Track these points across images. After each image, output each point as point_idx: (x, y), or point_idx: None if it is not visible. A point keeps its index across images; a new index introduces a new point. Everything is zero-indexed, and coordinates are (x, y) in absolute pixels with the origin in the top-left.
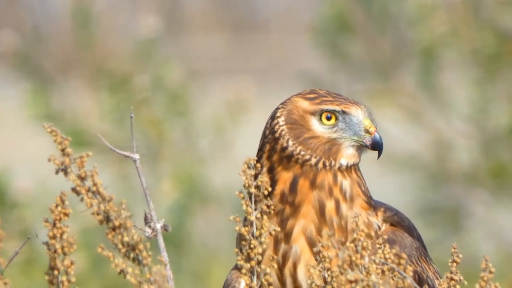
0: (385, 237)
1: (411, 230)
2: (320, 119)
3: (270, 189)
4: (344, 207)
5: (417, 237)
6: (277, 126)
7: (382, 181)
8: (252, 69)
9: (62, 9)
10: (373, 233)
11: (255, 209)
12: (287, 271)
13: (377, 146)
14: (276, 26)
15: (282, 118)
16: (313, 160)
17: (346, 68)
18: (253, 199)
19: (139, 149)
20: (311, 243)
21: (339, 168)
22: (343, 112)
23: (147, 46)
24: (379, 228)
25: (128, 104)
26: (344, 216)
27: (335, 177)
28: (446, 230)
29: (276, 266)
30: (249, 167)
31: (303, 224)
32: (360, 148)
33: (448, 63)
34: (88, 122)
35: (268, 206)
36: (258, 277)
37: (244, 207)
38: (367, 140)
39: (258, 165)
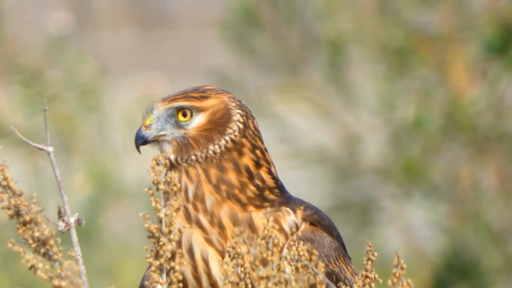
0: (304, 236)
1: (330, 230)
2: None
3: (179, 185)
4: (208, 204)
5: (337, 237)
6: None
7: (292, 175)
8: (161, 65)
9: None
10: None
11: (165, 206)
12: (200, 267)
13: None
14: (185, 21)
15: None
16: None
17: (254, 63)
18: (162, 196)
19: (52, 143)
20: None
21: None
22: None
23: (57, 41)
24: (297, 227)
25: (40, 98)
26: (213, 214)
27: (180, 176)
28: (356, 224)
29: (185, 263)
30: (158, 164)
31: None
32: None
33: (356, 57)
34: (1, 115)
35: (178, 202)
36: (167, 274)
37: (153, 203)
38: None
39: (167, 161)
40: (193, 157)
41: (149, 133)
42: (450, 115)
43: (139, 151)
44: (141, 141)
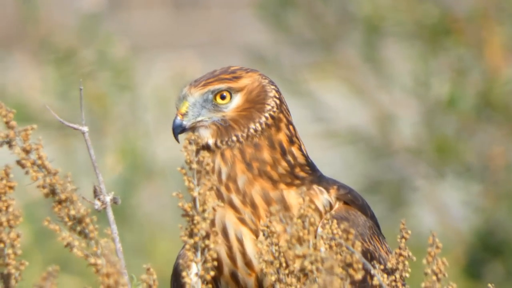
0: (338, 215)
1: (364, 209)
2: None
3: (212, 164)
4: (240, 183)
5: (370, 216)
6: None
7: (325, 155)
8: (194, 44)
9: None
10: (277, 208)
11: (198, 185)
12: (235, 247)
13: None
14: (217, 0)
15: None
16: None
17: (289, 41)
18: (195, 175)
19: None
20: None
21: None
22: None
23: (90, 21)
24: (331, 206)
25: (72, 78)
26: (245, 193)
27: (214, 158)
28: (390, 204)
29: (220, 241)
30: (190, 143)
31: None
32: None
33: (392, 36)
34: (31, 96)
35: (211, 181)
36: (202, 252)
37: (187, 183)
38: None
39: (200, 140)
40: (234, 138)
41: (187, 121)
42: (484, 94)
43: (177, 140)
44: (179, 129)
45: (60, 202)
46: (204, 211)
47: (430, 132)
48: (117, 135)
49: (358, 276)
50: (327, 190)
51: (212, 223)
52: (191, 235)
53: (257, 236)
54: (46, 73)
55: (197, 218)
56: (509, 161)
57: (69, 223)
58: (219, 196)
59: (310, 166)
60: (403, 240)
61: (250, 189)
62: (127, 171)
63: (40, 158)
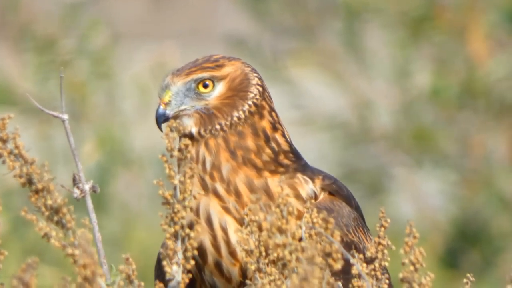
0: (323, 205)
1: (349, 200)
2: None
3: (192, 152)
4: (224, 171)
5: (355, 207)
6: None
7: (304, 141)
8: (175, 34)
9: None
10: (262, 198)
11: (178, 173)
12: (219, 236)
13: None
14: None
15: None
16: None
17: (270, 29)
18: (176, 163)
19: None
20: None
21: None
22: None
23: (71, 9)
24: (316, 196)
25: (52, 66)
26: (229, 181)
27: (198, 148)
28: (367, 191)
29: (200, 229)
30: (172, 130)
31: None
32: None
33: (373, 23)
34: (11, 83)
35: (192, 169)
36: (183, 241)
37: (167, 170)
38: None
39: (181, 128)
40: (218, 127)
41: (170, 110)
42: (466, 83)
43: (161, 129)
44: (162, 118)
45: (37, 191)
46: (184, 199)
47: (409, 120)
48: (95, 123)
49: (338, 265)
50: (312, 180)
51: (197, 212)
52: (171, 223)
53: (241, 225)
54: (26, 61)
55: (177, 206)
56: (488, 150)
57: (46, 213)
58: (204, 185)
59: (294, 153)
60: (382, 229)
61: (234, 178)
62: (104, 159)
63: (17, 147)
